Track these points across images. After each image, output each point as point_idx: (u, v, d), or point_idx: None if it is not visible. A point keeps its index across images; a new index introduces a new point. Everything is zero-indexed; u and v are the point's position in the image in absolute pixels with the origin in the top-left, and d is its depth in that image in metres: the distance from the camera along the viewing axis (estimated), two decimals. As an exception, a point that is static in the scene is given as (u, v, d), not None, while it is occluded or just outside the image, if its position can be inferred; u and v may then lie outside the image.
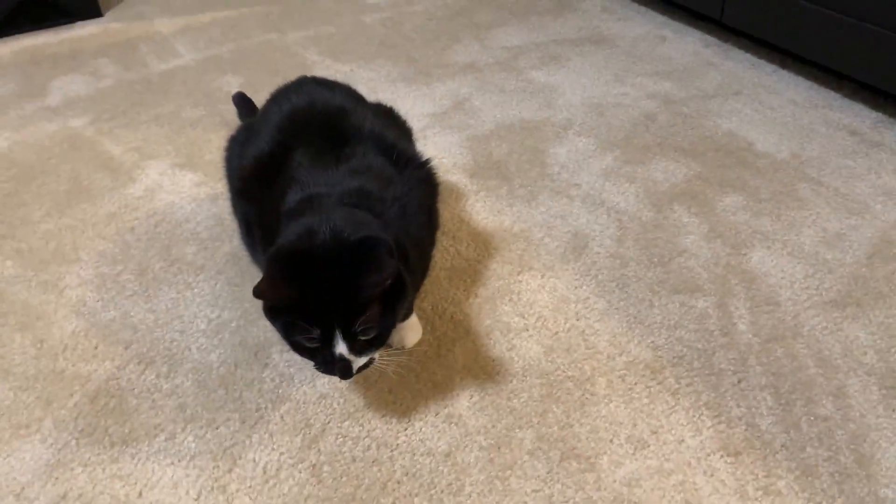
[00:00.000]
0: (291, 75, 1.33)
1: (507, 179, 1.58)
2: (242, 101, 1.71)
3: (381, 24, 2.36)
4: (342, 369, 0.93)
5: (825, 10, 1.71)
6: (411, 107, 1.87)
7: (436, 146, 1.71)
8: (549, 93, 1.91)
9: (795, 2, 1.77)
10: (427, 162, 1.18)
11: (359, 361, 0.94)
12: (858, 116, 1.73)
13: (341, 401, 1.11)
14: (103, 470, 1.03)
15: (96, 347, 1.21)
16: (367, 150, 1.11)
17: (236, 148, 1.25)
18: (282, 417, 1.09)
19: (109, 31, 2.38)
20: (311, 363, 0.97)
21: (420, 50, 2.18)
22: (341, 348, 0.91)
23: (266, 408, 1.11)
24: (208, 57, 2.18)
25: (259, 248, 1.09)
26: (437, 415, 1.09)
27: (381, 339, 0.95)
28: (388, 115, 1.31)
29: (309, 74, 1.35)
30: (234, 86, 1.99)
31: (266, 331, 1.23)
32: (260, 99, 1.40)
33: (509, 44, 2.19)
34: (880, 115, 1.73)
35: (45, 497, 0.99)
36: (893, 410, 1.06)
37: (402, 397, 1.12)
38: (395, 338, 1.19)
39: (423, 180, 1.16)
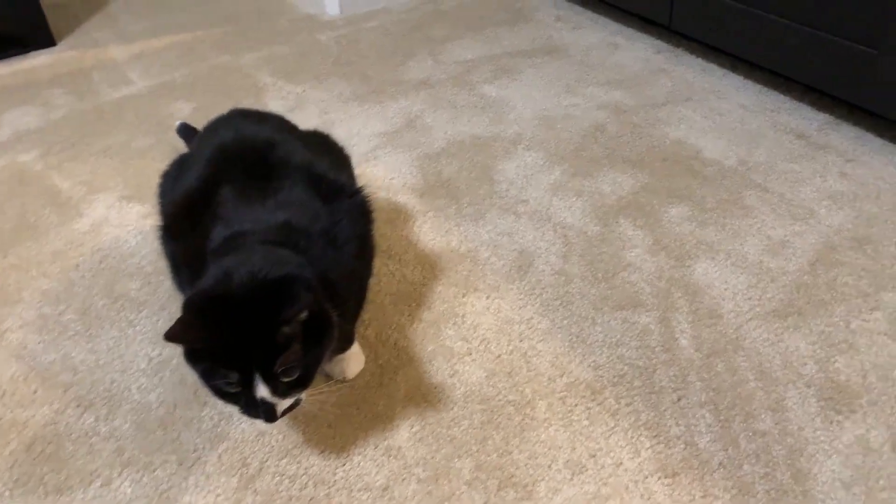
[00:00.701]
0: (244, 98, 1.33)
1: (456, 198, 1.58)
2: (187, 132, 1.70)
3: (336, 42, 2.36)
4: (266, 413, 0.91)
5: (770, 15, 1.71)
6: (363, 126, 1.86)
7: (386, 166, 1.70)
8: (501, 107, 1.91)
9: (741, 8, 1.77)
10: (359, 191, 1.17)
11: (283, 404, 0.93)
12: (805, 119, 1.74)
13: (280, 437, 1.10)
14: (37, 521, 1.01)
15: (35, 392, 1.20)
16: (294, 182, 1.10)
17: (168, 183, 1.24)
18: (219, 457, 1.08)
19: (63, 59, 2.36)
20: (236, 408, 0.95)
21: (374, 67, 2.17)
22: (262, 392, 0.90)
23: (204, 448, 1.09)
24: (161, 83, 2.17)
25: (187, 288, 1.08)
26: (376, 447, 1.08)
27: (305, 379, 0.94)
28: (322, 144, 1.31)
29: (262, 97, 1.34)
30: (185, 112, 1.97)
31: (207, 367, 1.22)
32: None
33: (463, 58, 2.18)
34: (827, 116, 1.73)
35: (-25, 552, 0.98)
36: (831, 423, 1.06)
37: (341, 431, 1.11)
38: (336, 369, 1.18)
39: (354, 210, 1.14)
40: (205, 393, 1.17)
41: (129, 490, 1.04)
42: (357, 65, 2.19)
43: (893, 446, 1.02)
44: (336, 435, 1.10)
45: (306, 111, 1.95)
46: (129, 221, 1.58)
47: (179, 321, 0.86)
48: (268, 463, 1.07)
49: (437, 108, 1.92)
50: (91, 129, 1.95)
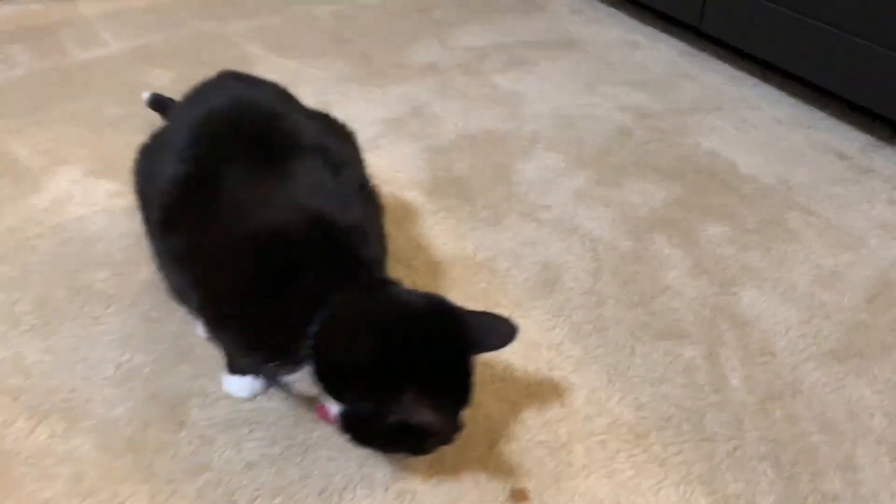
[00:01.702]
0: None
1: (470, 199, 1.42)
2: (160, 104, 1.51)
3: (333, 16, 2.17)
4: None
5: (813, 21, 1.59)
6: (363, 111, 1.69)
7: (390, 157, 1.53)
8: (516, 101, 1.75)
9: (781, 11, 1.64)
10: (371, 182, 1.02)
11: None
12: (846, 139, 1.62)
13: (272, 471, 0.93)
14: (-28, 564, 0.83)
15: (-23, 398, 1.01)
16: (309, 164, 0.94)
17: (146, 161, 1.06)
18: (199, 492, 0.91)
19: (27, 12, 2.13)
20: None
21: (375, 47, 1.99)
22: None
23: (181, 480, 0.92)
24: (137, 47, 1.95)
25: (197, 288, 0.91)
26: (386, 490, 0.92)
27: None
28: (328, 124, 1.14)
29: (250, 69, 1.17)
30: (164, 80, 1.77)
31: (185, 379, 1.04)
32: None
33: (472, 44, 2.02)
34: (869, 138, 1.62)
35: None
36: (909, 488, 0.94)
37: (344, 467, 0.94)
38: None
39: (371, 202, 0.99)
40: (183, 410, 1.00)
41: (88, 529, 0.86)
42: (356, 43, 2.01)
43: (981, 520, 0.90)
44: (339, 471, 0.94)
45: (300, 90, 1.73)
46: (96, 200, 1.38)
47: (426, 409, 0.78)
48: (258, 502, 0.90)
49: (446, 96, 1.76)
50: (56, 91, 1.74)
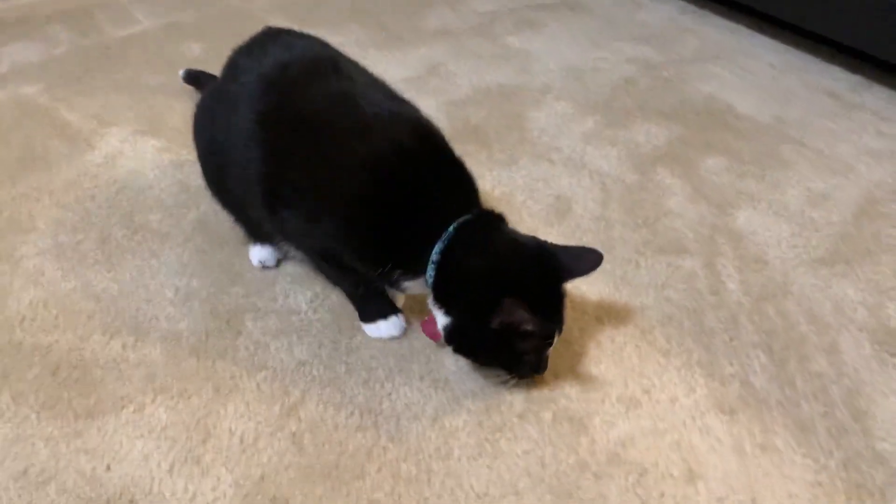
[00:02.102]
0: None
1: (486, 144, 1.54)
2: (194, 78, 1.63)
3: (350, -10, 2.28)
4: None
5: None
6: (384, 72, 1.78)
7: (410, 111, 1.65)
8: (526, 58, 1.86)
9: (773, -36, 1.75)
10: None
11: None
12: (837, 79, 1.72)
13: (321, 367, 1.06)
14: (67, 444, 0.96)
15: (56, 318, 1.14)
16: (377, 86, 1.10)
17: (206, 120, 1.15)
18: (258, 386, 1.03)
19: (63, -3, 2.26)
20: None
21: (390, 15, 2.11)
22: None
23: (241, 376, 1.05)
24: (168, 23, 2.08)
25: (325, 206, 0.99)
26: (422, 379, 1.04)
27: None
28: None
29: None
30: (196, 52, 1.90)
31: (238, 298, 1.17)
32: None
33: (483, 9, 2.13)
34: (859, 77, 1.72)
35: (5, 473, 0.92)
36: (886, 365, 1.05)
37: (384, 363, 1.07)
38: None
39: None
40: (238, 322, 1.12)
41: (164, 416, 0.99)
42: (372, 12, 2.13)
43: (951, 389, 1.01)
44: (379, 367, 1.06)
45: (324, 55, 1.88)
46: (145, 155, 1.51)
47: (524, 311, 0.90)
48: (310, 392, 1.02)
49: (460, 57, 1.88)
50: (96, 64, 1.87)
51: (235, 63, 1.17)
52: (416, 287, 1.01)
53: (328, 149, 0.98)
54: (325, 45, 1.18)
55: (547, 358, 0.99)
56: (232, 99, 1.09)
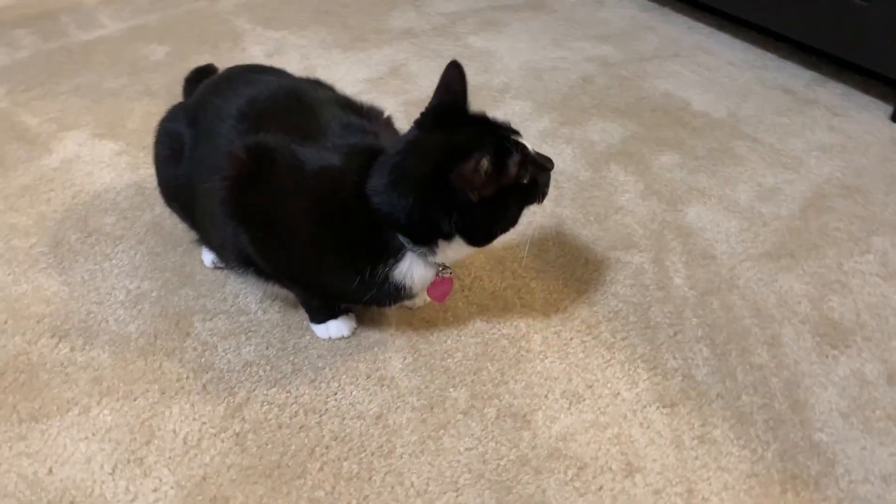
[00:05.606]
0: (221, 44, 1.26)
1: (443, 143, 1.54)
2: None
3: (316, -8, 2.29)
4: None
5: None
6: (346, 73, 1.81)
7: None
8: (487, 58, 1.87)
9: (730, -38, 1.76)
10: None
11: None
12: (793, 76, 1.74)
13: (267, 368, 1.06)
14: (10, 448, 0.96)
15: (6, 322, 1.14)
16: (337, 115, 1.07)
17: (168, 139, 1.14)
18: (204, 387, 1.04)
19: (28, 1, 2.25)
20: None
21: (355, 17, 2.12)
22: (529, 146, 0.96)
23: (187, 378, 1.05)
24: (134, 26, 2.08)
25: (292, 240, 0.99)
26: (368, 378, 1.05)
27: None
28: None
29: (240, 42, 1.27)
30: (159, 55, 1.90)
31: (189, 299, 1.17)
32: (190, 67, 1.34)
33: (446, 10, 2.14)
34: (814, 73, 1.74)
35: (-56, 478, 0.92)
36: (826, 357, 1.06)
37: (331, 362, 1.07)
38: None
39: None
40: (187, 324, 1.13)
41: (108, 418, 0.99)
42: (337, 14, 2.13)
43: (889, 379, 1.03)
44: (326, 366, 1.07)
45: (286, 56, 1.89)
46: (102, 158, 1.51)
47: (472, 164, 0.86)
48: (255, 392, 1.03)
49: (422, 57, 1.88)
50: (59, 69, 1.87)
51: (206, 100, 1.14)
52: (415, 267, 0.98)
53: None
54: (288, 78, 1.19)
55: (541, 154, 0.98)
56: (204, 142, 1.08)
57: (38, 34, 2.04)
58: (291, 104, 1.08)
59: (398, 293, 0.99)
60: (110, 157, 1.51)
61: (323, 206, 0.97)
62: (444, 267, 1.00)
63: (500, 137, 0.93)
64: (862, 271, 1.20)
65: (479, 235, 0.95)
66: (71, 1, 2.25)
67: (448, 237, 0.94)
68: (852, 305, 1.14)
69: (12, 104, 1.71)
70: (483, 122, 0.97)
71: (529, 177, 0.95)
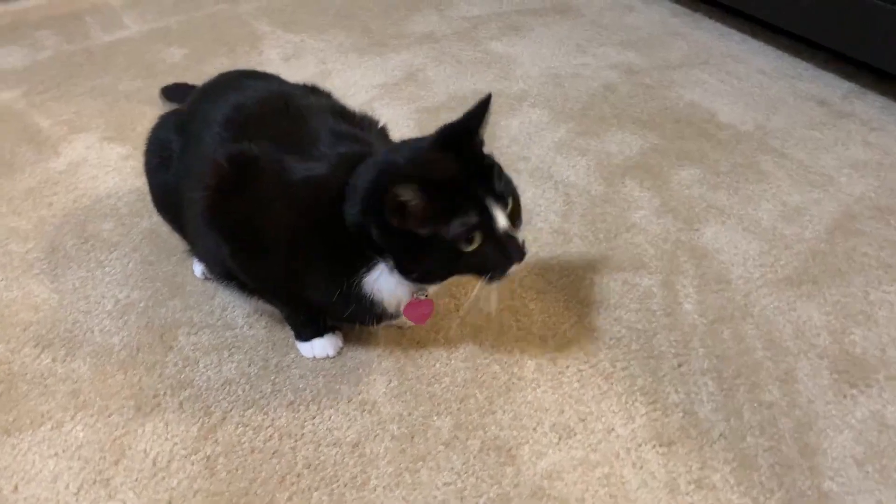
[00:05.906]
0: (239, 47, 1.23)
1: (453, 152, 1.49)
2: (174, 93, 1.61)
3: (340, -6, 2.25)
4: (518, 249, 0.88)
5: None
6: (361, 77, 1.77)
7: (382, 118, 1.60)
8: (507, 63, 1.81)
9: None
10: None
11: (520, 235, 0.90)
12: (829, 87, 1.64)
13: (247, 387, 1.02)
14: (-21, 462, 0.94)
15: (-8, 329, 1.12)
16: (326, 122, 1.02)
17: (159, 144, 1.11)
18: (181, 405, 1.00)
19: (56, 2, 2.27)
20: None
21: (377, 20, 2.07)
22: (502, 222, 0.86)
23: (165, 394, 1.02)
24: (155, 28, 2.07)
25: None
26: (349, 401, 1.00)
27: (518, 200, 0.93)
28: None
29: (258, 45, 1.24)
30: (177, 57, 1.89)
31: (176, 311, 1.14)
32: (206, 70, 1.30)
33: (470, 14, 2.08)
34: (852, 85, 1.63)
35: None
36: (844, 396, 0.97)
37: (313, 383, 1.03)
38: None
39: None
40: (171, 337, 1.09)
41: (80, 434, 0.96)
42: (358, 17, 2.10)
43: (912, 424, 0.94)
44: (307, 387, 1.02)
45: (303, 60, 1.86)
46: (108, 162, 1.49)
47: (420, 200, 0.81)
48: (232, 413, 0.99)
49: (441, 62, 1.83)
50: (78, 70, 1.87)
51: (196, 106, 1.11)
52: (384, 280, 0.92)
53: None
54: (280, 83, 1.14)
55: (515, 240, 0.88)
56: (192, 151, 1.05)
57: (62, 35, 2.04)
58: (280, 111, 1.04)
59: (377, 308, 0.94)
60: (116, 161, 1.49)
61: (305, 216, 0.92)
62: (421, 288, 0.95)
63: (479, 190, 0.86)
64: (890, 302, 1.10)
65: (401, 267, 0.89)
66: (97, 2, 2.26)
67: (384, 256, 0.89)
68: (877, 340, 1.05)
69: (28, 105, 1.71)
70: (477, 165, 0.89)
71: (478, 246, 0.86)
